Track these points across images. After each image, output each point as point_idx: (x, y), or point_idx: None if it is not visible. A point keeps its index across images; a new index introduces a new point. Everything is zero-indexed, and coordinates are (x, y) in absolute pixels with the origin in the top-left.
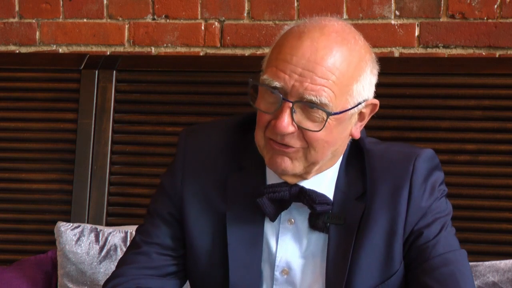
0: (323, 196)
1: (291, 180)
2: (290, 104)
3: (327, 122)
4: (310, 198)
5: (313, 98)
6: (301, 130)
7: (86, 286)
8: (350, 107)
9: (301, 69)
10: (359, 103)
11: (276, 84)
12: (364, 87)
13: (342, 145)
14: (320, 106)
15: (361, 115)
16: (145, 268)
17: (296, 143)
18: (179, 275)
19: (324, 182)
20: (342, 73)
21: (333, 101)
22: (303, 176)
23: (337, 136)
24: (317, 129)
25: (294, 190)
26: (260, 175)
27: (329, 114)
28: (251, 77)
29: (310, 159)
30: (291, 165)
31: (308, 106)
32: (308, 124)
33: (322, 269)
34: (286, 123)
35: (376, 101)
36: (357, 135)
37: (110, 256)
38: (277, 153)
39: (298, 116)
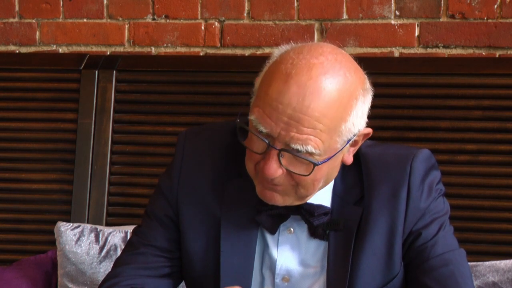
0: (320, 207)
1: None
2: (277, 151)
3: (315, 168)
4: (307, 212)
5: (299, 147)
6: (289, 172)
7: (86, 286)
8: (339, 147)
9: (287, 118)
10: (349, 140)
11: (262, 129)
12: (355, 123)
13: (334, 174)
14: (306, 155)
15: (354, 142)
16: (141, 268)
17: (285, 182)
18: (175, 275)
19: (321, 191)
20: (330, 120)
21: (320, 148)
22: (299, 202)
23: (328, 171)
24: (306, 173)
25: (291, 206)
26: None
27: (315, 164)
28: (238, 118)
29: (301, 195)
30: (281, 199)
31: (295, 153)
32: (296, 168)
33: (323, 276)
34: (273, 169)
35: (369, 130)
36: (350, 161)
37: (110, 256)
38: (267, 188)
39: (286, 160)
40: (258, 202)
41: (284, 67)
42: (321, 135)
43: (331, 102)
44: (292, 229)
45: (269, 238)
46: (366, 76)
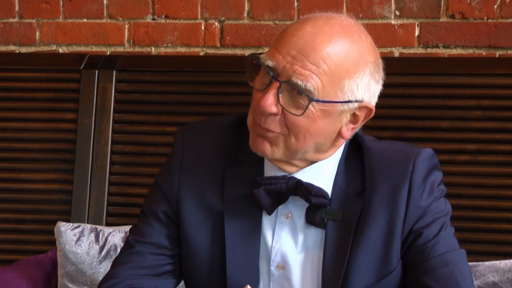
0: (319, 189)
1: (280, 165)
2: (278, 84)
3: (309, 109)
4: (306, 190)
5: (299, 82)
6: (284, 115)
7: (86, 286)
8: (337, 100)
9: (295, 51)
10: (350, 101)
11: (269, 63)
12: (359, 87)
13: (328, 140)
14: (305, 91)
15: (354, 117)
16: (139, 268)
17: (276, 127)
18: (174, 274)
19: (322, 177)
20: (335, 65)
21: (319, 90)
22: (289, 161)
23: (322, 129)
24: (299, 114)
25: (291, 182)
26: (258, 169)
27: (311, 99)
28: (252, 53)
29: (290, 147)
30: (270, 149)
31: (295, 90)
32: (292, 108)
33: (318, 265)
34: (270, 101)
35: (371, 106)
36: (346, 136)
37: (110, 256)
38: (259, 135)
39: (284, 98)
40: (258, 180)
41: (305, 16)
42: (323, 77)
43: (341, 49)
44: (289, 215)
45: (265, 224)
46: (382, 62)
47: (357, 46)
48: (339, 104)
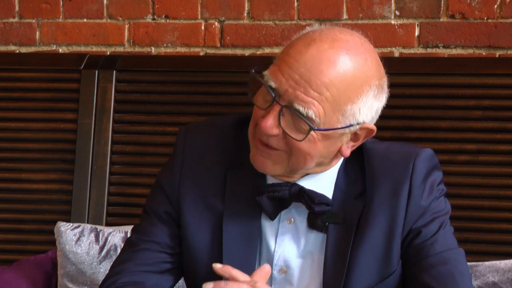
0: (322, 196)
1: (281, 177)
2: (279, 107)
3: (310, 135)
4: (309, 198)
5: (301, 109)
6: (285, 135)
7: (86, 286)
8: (339, 126)
9: (298, 76)
10: (351, 125)
11: (272, 84)
12: (361, 110)
13: (328, 158)
14: (306, 118)
15: (355, 135)
16: (142, 264)
17: (278, 145)
18: (175, 271)
19: (324, 181)
20: (338, 92)
21: (321, 117)
22: (289, 176)
23: (322, 150)
24: (299, 139)
25: (294, 189)
26: (259, 172)
27: (311, 128)
28: (254, 68)
29: (291, 165)
30: (272, 167)
31: (296, 114)
32: (292, 132)
33: (320, 268)
34: (270, 124)
35: (373, 127)
36: (346, 153)
37: (110, 256)
38: (259, 152)
39: (286, 120)
40: (260, 189)
41: (311, 34)
42: (325, 104)
43: (344, 76)
44: (292, 219)
45: (268, 229)
46: (386, 77)
47: (362, 70)
48: (339, 129)
